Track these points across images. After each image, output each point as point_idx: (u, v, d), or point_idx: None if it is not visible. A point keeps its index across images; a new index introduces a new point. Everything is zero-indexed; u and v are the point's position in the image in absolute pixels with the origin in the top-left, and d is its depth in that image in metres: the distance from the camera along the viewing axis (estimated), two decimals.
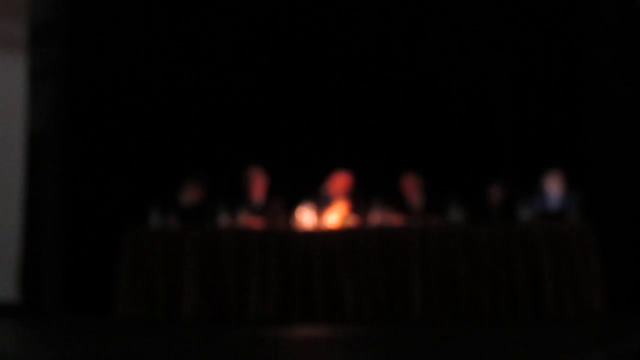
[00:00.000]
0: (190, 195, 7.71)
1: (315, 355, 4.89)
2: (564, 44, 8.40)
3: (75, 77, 8.48)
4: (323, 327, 6.83)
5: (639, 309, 7.52)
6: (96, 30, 8.53)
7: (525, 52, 8.42)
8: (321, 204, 7.55)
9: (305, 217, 7.36)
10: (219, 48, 8.62)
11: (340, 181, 7.78)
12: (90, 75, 8.47)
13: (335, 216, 7.57)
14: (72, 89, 8.48)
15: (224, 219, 7.36)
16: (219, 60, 8.61)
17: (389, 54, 8.57)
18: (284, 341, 5.87)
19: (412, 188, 7.82)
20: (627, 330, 5.81)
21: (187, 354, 4.79)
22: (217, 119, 8.57)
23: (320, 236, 7.23)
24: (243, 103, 8.58)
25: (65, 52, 8.49)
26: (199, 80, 8.58)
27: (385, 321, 7.04)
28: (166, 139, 8.50)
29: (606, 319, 6.94)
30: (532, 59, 8.41)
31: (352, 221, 7.50)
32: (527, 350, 4.76)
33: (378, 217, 7.37)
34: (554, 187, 7.63)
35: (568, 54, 8.38)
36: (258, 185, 7.79)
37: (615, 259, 7.69)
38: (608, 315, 7.03)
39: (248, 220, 7.46)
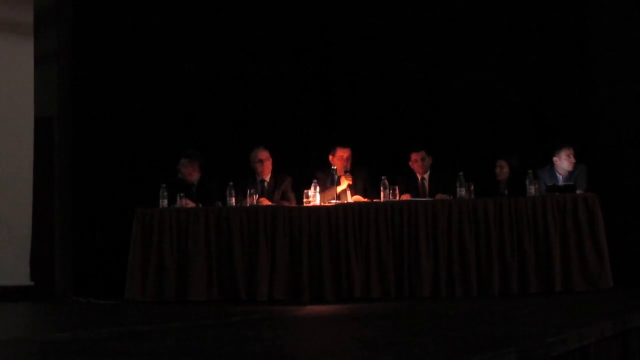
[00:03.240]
0: (187, 173, 7.72)
1: (325, 329, 4.93)
2: (573, 24, 8.38)
3: (79, 62, 8.53)
4: (332, 305, 6.87)
5: None
6: (100, 16, 8.57)
7: (534, 31, 8.40)
8: (328, 182, 7.56)
9: (313, 196, 7.38)
10: (223, 29, 8.63)
11: (342, 156, 7.77)
12: (95, 60, 8.52)
13: (343, 194, 7.58)
14: (76, 74, 8.53)
15: (232, 199, 7.40)
16: (224, 41, 8.62)
17: (397, 30, 8.55)
18: (294, 318, 5.91)
19: (420, 166, 7.83)
20: (636, 304, 5.80)
21: (198, 333, 4.84)
22: (223, 99, 8.60)
23: (328, 214, 7.25)
24: (250, 83, 8.60)
25: (69, 37, 8.53)
26: (204, 62, 8.61)
27: (394, 299, 7.08)
28: (173, 121, 8.54)
29: (614, 294, 6.95)
30: (540, 36, 8.39)
31: (360, 199, 7.52)
32: (536, 323, 4.77)
33: (386, 195, 7.39)
34: (563, 162, 7.63)
35: (576, 33, 8.36)
36: (265, 165, 7.81)
37: (623, 233, 7.70)
38: (616, 290, 7.03)
39: (256, 200, 7.48)
